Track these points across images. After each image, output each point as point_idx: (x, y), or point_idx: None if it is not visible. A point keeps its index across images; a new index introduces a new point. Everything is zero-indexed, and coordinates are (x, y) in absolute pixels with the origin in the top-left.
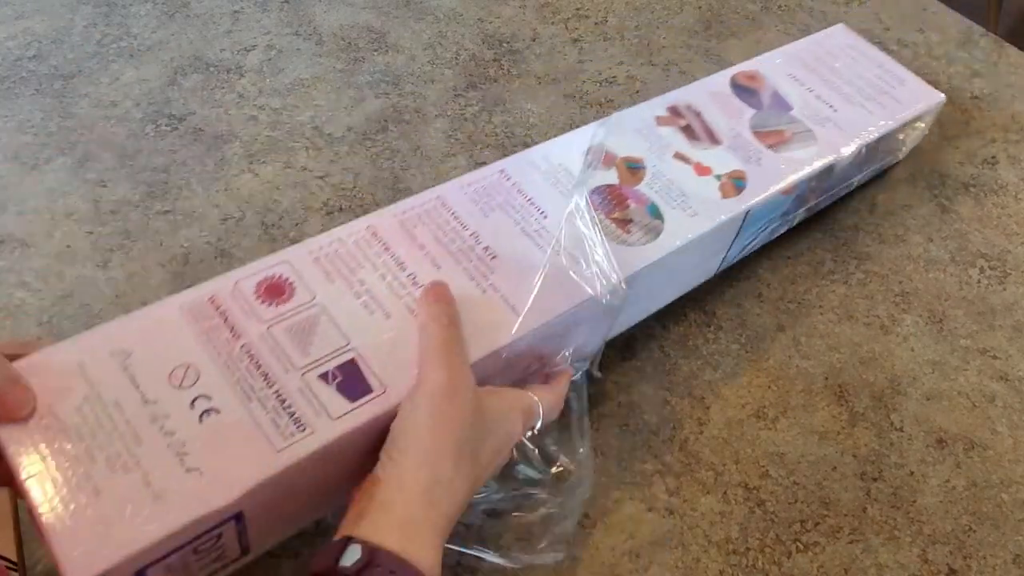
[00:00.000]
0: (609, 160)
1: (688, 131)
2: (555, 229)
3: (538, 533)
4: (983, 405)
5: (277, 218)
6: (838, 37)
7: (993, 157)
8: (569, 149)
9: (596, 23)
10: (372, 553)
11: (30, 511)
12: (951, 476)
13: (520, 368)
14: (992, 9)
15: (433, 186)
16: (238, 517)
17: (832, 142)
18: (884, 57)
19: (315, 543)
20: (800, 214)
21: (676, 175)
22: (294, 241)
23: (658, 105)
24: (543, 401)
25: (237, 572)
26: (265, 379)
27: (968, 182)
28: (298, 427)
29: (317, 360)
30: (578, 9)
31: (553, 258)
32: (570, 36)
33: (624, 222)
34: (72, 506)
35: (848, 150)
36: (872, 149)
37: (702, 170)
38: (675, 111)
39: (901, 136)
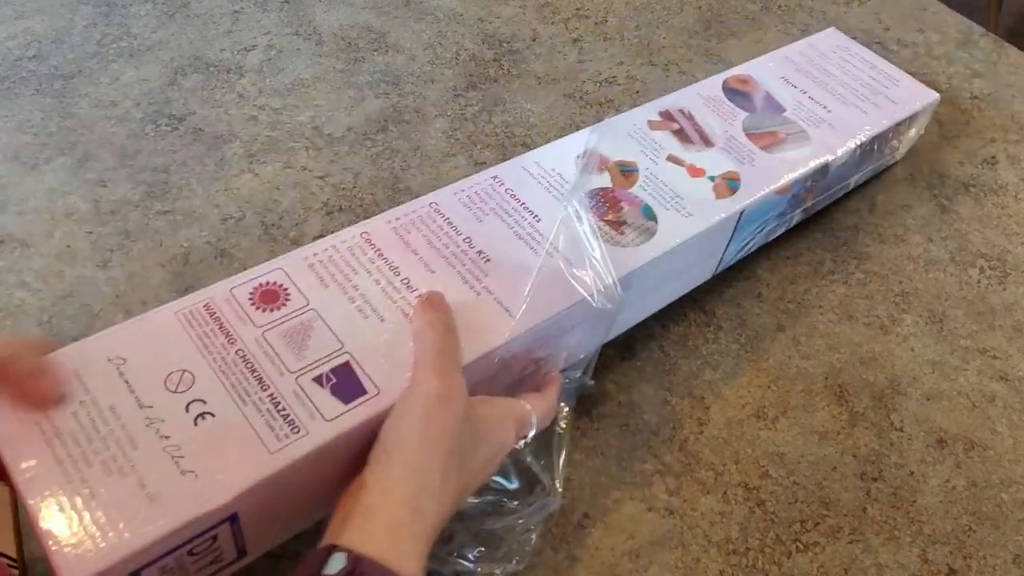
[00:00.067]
0: (602, 164)
1: (681, 134)
2: (549, 233)
3: (499, 541)
4: (983, 405)
5: (277, 218)
6: (829, 40)
7: (993, 157)
8: (562, 154)
9: (596, 23)
10: (356, 561)
11: (27, 513)
12: (951, 476)
13: (514, 372)
14: (992, 9)
15: (433, 186)
16: (233, 519)
17: (826, 142)
18: (877, 58)
19: (315, 544)
20: (797, 215)
21: (669, 177)
22: (294, 241)
23: (650, 110)
24: (536, 410)
25: (237, 574)
26: (259, 383)
27: (968, 182)
28: (292, 429)
29: (311, 363)
30: (578, 9)
31: (547, 260)
32: (570, 36)
33: (618, 224)
34: (68, 508)
35: (843, 150)
36: (868, 150)
37: (695, 172)
38: (667, 115)
39: (897, 136)
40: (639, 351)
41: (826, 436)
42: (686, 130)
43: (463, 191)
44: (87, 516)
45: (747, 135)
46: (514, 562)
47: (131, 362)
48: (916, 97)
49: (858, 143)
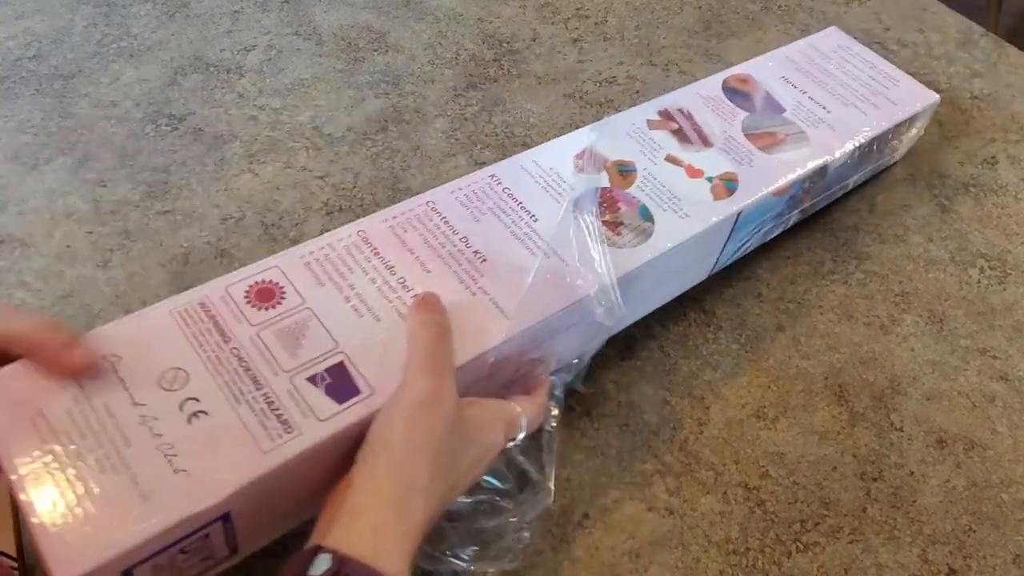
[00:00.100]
0: (601, 163)
1: (679, 134)
2: (546, 233)
3: (493, 541)
4: (983, 405)
5: (277, 218)
6: (831, 39)
7: (993, 157)
8: (560, 153)
9: (596, 23)
10: (341, 562)
11: (21, 510)
12: (951, 476)
13: (507, 373)
14: (992, 9)
15: (433, 186)
16: (225, 518)
17: (825, 143)
18: (877, 58)
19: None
20: (795, 216)
21: (667, 177)
22: (294, 241)
23: (649, 109)
24: (525, 412)
25: (235, 571)
26: (254, 382)
27: (968, 182)
28: (285, 428)
29: (306, 363)
30: (578, 9)
31: (544, 261)
32: (570, 36)
33: (614, 225)
34: (61, 506)
35: (841, 151)
36: (867, 150)
37: (694, 172)
38: (666, 115)
39: (896, 137)
40: (639, 351)
41: (826, 436)
42: (685, 130)
43: (460, 190)
44: (80, 514)
45: (746, 135)
46: (507, 560)
47: (126, 360)
48: (916, 98)
49: (857, 144)
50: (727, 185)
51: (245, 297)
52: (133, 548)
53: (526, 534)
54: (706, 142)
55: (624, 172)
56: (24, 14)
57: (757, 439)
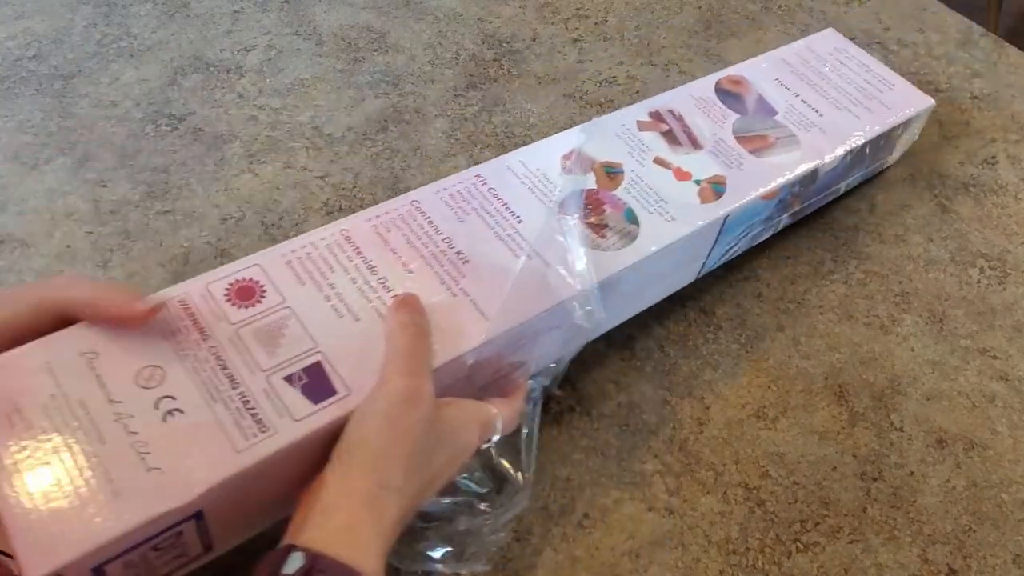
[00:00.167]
0: (588, 165)
1: (669, 136)
2: (530, 234)
3: (467, 542)
4: (983, 405)
5: (277, 218)
6: (827, 41)
7: (993, 157)
8: (548, 154)
9: (596, 23)
10: (314, 559)
11: None
12: (951, 476)
13: (486, 374)
14: (992, 9)
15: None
16: (198, 516)
17: (816, 147)
18: (873, 61)
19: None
20: (784, 219)
21: (655, 180)
22: None
23: (640, 110)
24: (501, 414)
25: (209, 569)
26: (230, 380)
27: (968, 182)
28: (260, 428)
29: (283, 362)
30: (578, 9)
31: (526, 264)
32: (570, 36)
33: (599, 227)
34: (34, 502)
35: (832, 156)
36: (859, 154)
37: (682, 175)
38: (657, 116)
39: (890, 141)
40: (639, 351)
41: (826, 436)
42: (675, 132)
43: (445, 190)
44: (52, 510)
45: (736, 138)
46: (480, 562)
47: (103, 356)
48: (910, 102)
49: (848, 149)
50: (715, 188)
51: (225, 295)
52: (104, 545)
53: (501, 535)
54: (696, 144)
55: (611, 174)
56: (24, 14)
57: (757, 439)
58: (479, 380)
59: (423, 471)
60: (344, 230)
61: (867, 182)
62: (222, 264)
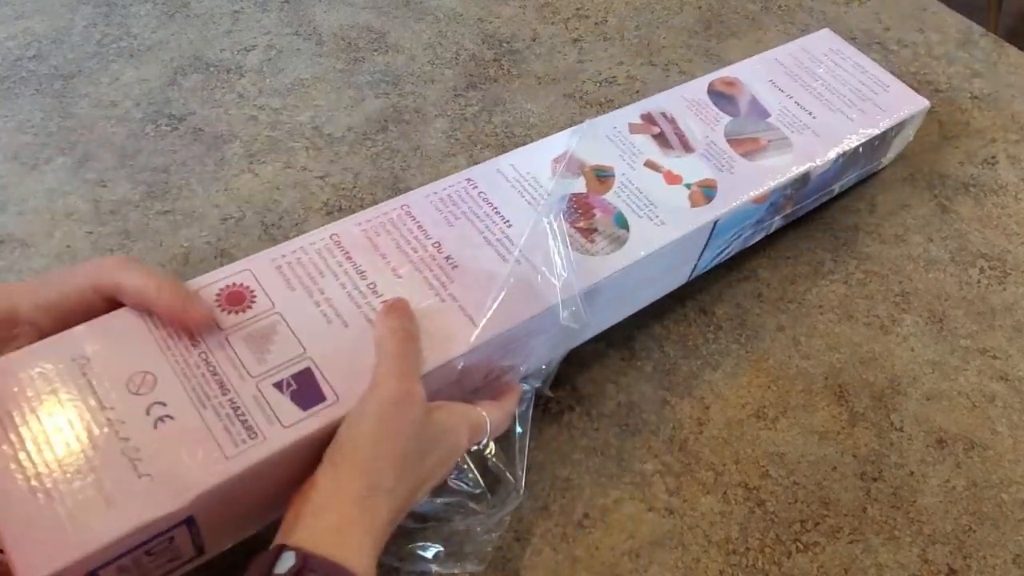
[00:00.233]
0: (578, 168)
1: (661, 139)
2: (519, 238)
3: (461, 542)
4: (983, 405)
5: (277, 218)
6: (823, 42)
7: (993, 157)
8: (539, 157)
9: (596, 23)
10: (305, 559)
11: None
12: (951, 476)
13: (476, 379)
14: (992, 9)
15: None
16: (190, 521)
17: (809, 150)
18: (869, 62)
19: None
20: (777, 221)
21: (645, 184)
22: None
23: (632, 112)
24: (491, 417)
25: (201, 569)
26: (220, 386)
27: (968, 182)
28: (250, 434)
29: (272, 368)
30: (578, 9)
31: (514, 268)
32: (570, 36)
33: (588, 231)
34: (27, 508)
35: (824, 159)
36: (852, 156)
37: (672, 179)
38: (649, 118)
39: (884, 143)
40: (639, 351)
41: (826, 436)
42: (666, 134)
43: (435, 193)
44: (45, 516)
45: (728, 141)
46: (473, 562)
47: (95, 362)
48: (905, 104)
49: (841, 152)
50: (705, 192)
51: (216, 301)
52: (97, 551)
53: (494, 535)
54: (687, 147)
55: (602, 177)
56: (24, 14)
57: (757, 439)
58: (469, 384)
59: (414, 473)
60: (334, 235)
61: (867, 182)
62: (222, 264)
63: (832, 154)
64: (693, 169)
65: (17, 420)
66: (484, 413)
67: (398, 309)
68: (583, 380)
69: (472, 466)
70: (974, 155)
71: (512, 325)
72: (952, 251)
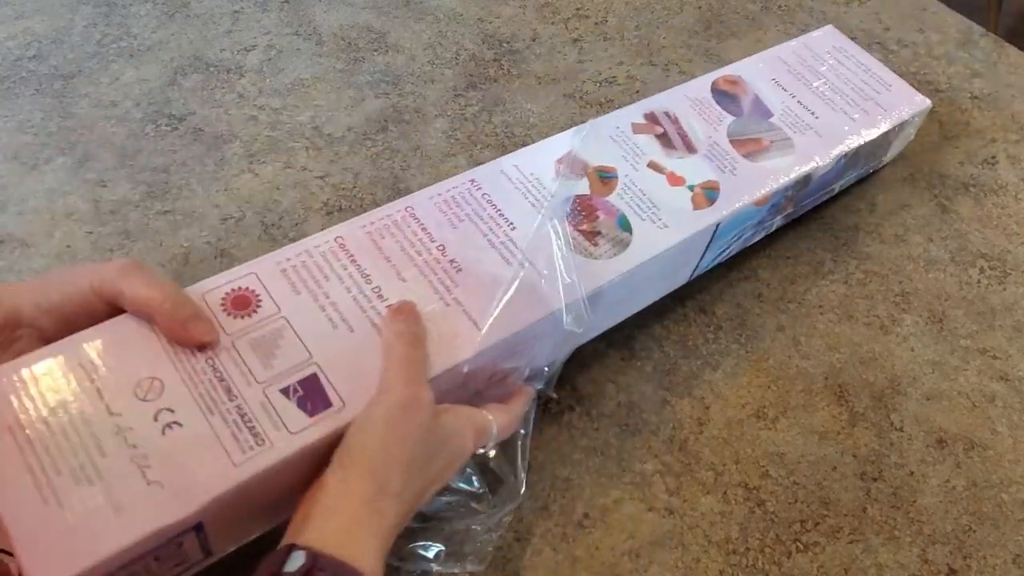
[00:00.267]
0: (582, 169)
1: (664, 139)
2: (523, 241)
3: (462, 542)
4: (983, 405)
5: (277, 218)
6: (826, 39)
7: (993, 157)
8: (543, 157)
9: (596, 23)
10: (315, 558)
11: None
12: (951, 476)
13: (480, 381)
14: (992, 9)
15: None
16: (198, 527)
17: (810, 151)
18: (872, 61)
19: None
20: (777, 222)
21: (648, 185)
22: (294, 241)
23: (635, 112)
24: (497, 421)
25: (212, 569)
26: (227, 393)
27: (968, 182)
28: (257, 441)
29: (279, 374)
30: (578, 9)
31: (518, 272)
32: (570, 36)
33: (592, 234)
34: (37, 516)
35: (826, 160)
36: (854, 156)
37: (675, 180)
38: (652, 118)
39: (885, 142)
40: (639, 351)
41: (826, 436)
42: (670, 135)
43: (439, 195)
44: (56, 524)
45: (731, 141)
46: (474, 562)
47: (102, 369)
48: (907, 104)
49: (843, 152)
50: (708, 194)
51: (221, 305)
52: (107, 559)
53: (494, 535)
54: (690, 148)
55: (605, 179)
56: (24, 14)
57: (757, 439)
58: (473, 386)
59: (421, 476)
60: (339, 237)
61: (867, 182)
62: (221, 264)
63: (834, 154)
64: (696, 170)
65: (25, 427)
66: (490, 417)
67: (405, 312)
68: (583, 380)
69: (473, 466)
70: (974, 155)
71: (516, 330)
72: (952, 251)
